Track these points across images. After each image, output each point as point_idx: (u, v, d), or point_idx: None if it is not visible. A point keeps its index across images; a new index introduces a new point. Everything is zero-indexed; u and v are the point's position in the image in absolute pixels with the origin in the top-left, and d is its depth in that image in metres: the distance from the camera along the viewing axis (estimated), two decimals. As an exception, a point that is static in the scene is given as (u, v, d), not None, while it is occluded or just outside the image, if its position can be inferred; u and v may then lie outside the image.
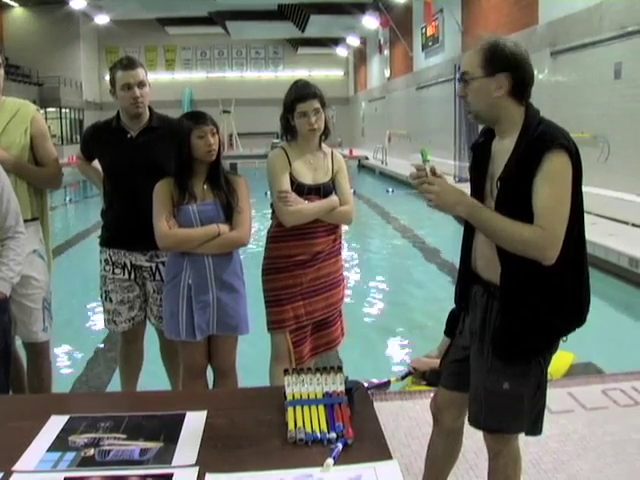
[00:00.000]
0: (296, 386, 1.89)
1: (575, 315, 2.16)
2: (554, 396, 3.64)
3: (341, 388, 1.89)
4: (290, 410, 1.80)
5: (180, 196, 2.94)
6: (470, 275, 2.27)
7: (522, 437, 3.13)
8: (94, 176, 3.50)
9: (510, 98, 2.08)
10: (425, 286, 7.92)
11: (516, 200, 2.03)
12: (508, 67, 2.05)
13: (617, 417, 3.44)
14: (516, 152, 2.05)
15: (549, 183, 1.98)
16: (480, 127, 2.33)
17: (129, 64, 3.19)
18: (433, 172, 2.08)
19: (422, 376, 3.80)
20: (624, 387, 3.76)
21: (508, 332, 2.10)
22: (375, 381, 3.91)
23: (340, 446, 1.63)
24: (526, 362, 2.14)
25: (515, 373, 2.13)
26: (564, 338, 2.20)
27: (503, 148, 2.11)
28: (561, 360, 4.37)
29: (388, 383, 3.91)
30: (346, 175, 3.36)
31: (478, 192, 2.19)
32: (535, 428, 2.25)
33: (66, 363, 5.10)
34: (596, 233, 8.45)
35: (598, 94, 10.84)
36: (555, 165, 1.98)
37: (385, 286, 8.08)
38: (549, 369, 4.08)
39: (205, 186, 2.99)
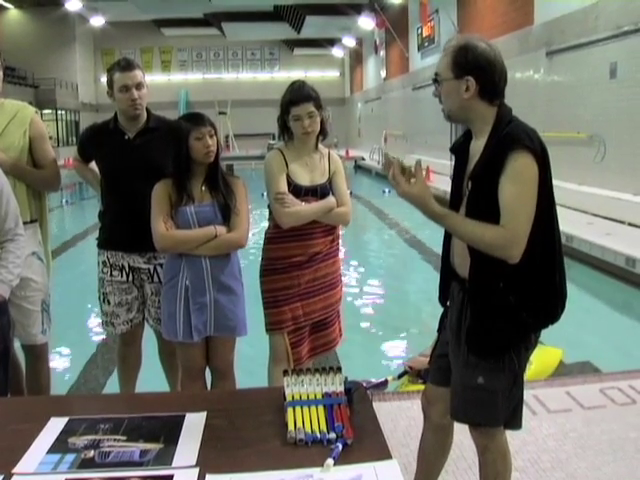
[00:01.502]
0: (295, 387, 1.90)
1: (546, 311, 2.17)
2: (552, 395, 3.67)
3: (340, 388, 1.89)
4: (290, 410, 1.81)
5: (178, 197, 2.94)
6: (449, 272, 2.31)
7: (520, 436, 3.15)
8: (91, 178, 3.49)
9: (479, 99, 2.12)
10: (422, 286, 7.92)
11: (485, 199, 2.07)
12: (475, 70, 2.09)
13: (615, 416, 3.45)
14: (485, 152, 2.10)
15: (512, 183, 2.02)
16: None
17: (127, 66, 3.19)
18: (402, 168, 2.12)
19: (418, 374, 3.83)
20: (621, 386, 3.77)
21: (479, 327, 2.14)
22: (373, 380, 3.93)
23: (340, 446, 1.63)
24: (499, 357, 2.16)
25: (489, 368, 2.16)
26: (537, 334, 2.23)
27: (477, 148, 2.16)
28: (549, 356, 4.42)
29: (386, 382, 3.93)
30: (343, 176, 3.36)
31: (457, 192, 2.23)
32: (514, 423, 2.29)
33: (63, 365, 5.10)
34: (593, 233, 8.48)
35: (594, 94, 10.86)
36: (518, 166, 2.02)
37: (382, 286, 8.09)
38: (537, 366, 4.16)
39: (203, 187, 2.99)
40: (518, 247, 2.03)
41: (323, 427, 1.73)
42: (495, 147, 2.07)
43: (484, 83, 2.10)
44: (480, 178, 2.09)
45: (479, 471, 2.37)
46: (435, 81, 2.19)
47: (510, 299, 2.10)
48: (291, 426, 1.74)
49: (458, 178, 2.25)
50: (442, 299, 2.40)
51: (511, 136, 2.06)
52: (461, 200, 2.20)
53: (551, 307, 2.17)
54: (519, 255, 2.04)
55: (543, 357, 4.30)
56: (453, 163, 2.35)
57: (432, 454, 2.53)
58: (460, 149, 2.27)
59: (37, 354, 3.28)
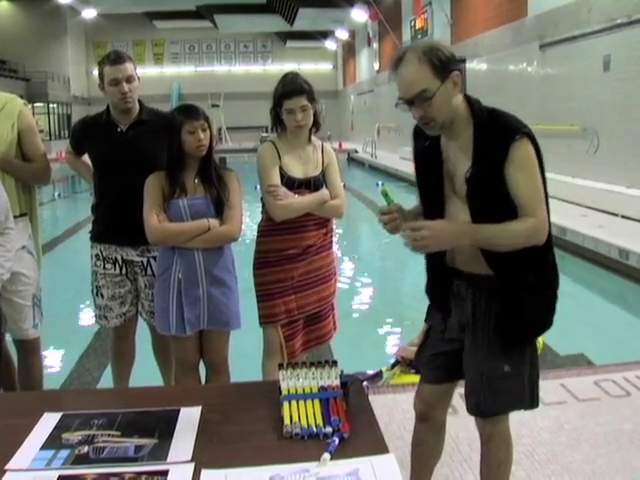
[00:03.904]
0: (291, 380, 1.89)
1: (556, 281, 2.20)
2: (547, 387, 3.66)
3: (336, 382, 1.88)
4: (285, 405, 1.80)
5: (171, 190, 2.92)
6: (448, 272, 2.25)
7: (515, 429, 3.14)
8: (84, 171, 3.47)
9: (460, 93, 2.08)
10: (415, 278, 7.90)
11: (488, 193, 2.05)
12: (454, 61, 2.05)
13: (609, 408, 3.45)
14: (479, 146, 2.05)
15: (523, 172, 2.02)
16: None
17: (117, 59, 3.15)
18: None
19: (409, 364, 3.85)
20: (616, 378, 3.78)
21: (514, 319, 2.11)
22: (368, 372, 3.94)
23: (336, 440, 1.62)
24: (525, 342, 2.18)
25: (514, 355, 2.16)
26: None
27: (458, 145, 2.11)
28: None
29: (380, 373, 3.94)
30: (337, 168, 3.34)
31: (435, 193, 2.18)
32: (533, 402, 2.28)
33: (56, 359, 5.08)
34: (586, 225, 8.49)
35: (587, 86, 10.86)
36: (523, 154, 2.01)
37: (376, 279, 8.09)
38: None
39: (196, 180, 2.96)
40: (546, 230, 2.06)
41: (319, 421, 1.72)
42: (490, 139, 2.03)
43: (462, 73, 2.07)
44: (481, 174, 2.04)
45: (481, 460, 2.36)
46: (421, 101, 2.01)
47: (536, 280, 2.11)
48: (287, 420, 1.73)
49: (434, 179, 2.18)
50: (440, 300, 2.33)
51: (506, 125, 2.03)
52: (442, 204, 2.16)
53: (556, 280, 2.20)
54: (546, 236, 2.07)
55: None
56: (417, 165, 2.27)
57: (429, 453, 2.50)
58: (429, 150, 2.20)
59: (29, 349, 3.25)
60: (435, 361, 2.36)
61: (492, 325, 2.14)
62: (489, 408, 2.22)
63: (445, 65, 2.01)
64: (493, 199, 2.04)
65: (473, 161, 2.05)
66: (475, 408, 2.25)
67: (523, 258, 2.06)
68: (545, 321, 2.19)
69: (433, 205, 2.20)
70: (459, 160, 2.10)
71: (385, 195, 2.12)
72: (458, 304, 2.25)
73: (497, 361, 2.15)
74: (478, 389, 2.20)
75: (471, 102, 2.10)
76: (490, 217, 2.03)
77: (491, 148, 2.02)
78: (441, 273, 2.28)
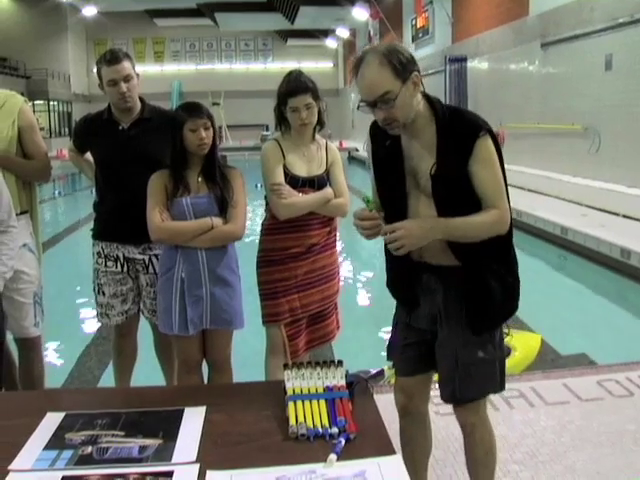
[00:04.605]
0: (296, 380, 1.88)
1: (516, 266, 2.25)
2: (549, 387, 3.66)
3: (342, 382, 1.87)
4: (291, 405, 1.79)
5: (174, 188, 2.90)
6: (415, 266, 2.26)
7: (518, 429, 3.14)
8: (87, 168, 3.45)
9: (419, 92, 2.10)
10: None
11: (453, 188, 2.09)
12: (413, 62, 2.07)
13: (612, 408, 3.44)
14: (443, 143, 2.09)
15: (487, 167, 2.08)
16: None
17: (112, 59, 3.10)
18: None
19: None
20: (619, 378, 3.77)
21: (485, 305, 2.17)
22: (371, 371, 3.92)
23: (343, 441, 1.61)
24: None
25: (485, 341, 2.22)
26: None
27: (421, 143, 2.13)
28: (531, 342, 4.49)
29: (382, 372, 3.92)
30: (341, 167, 3.33)
31: (397, 191, 2.20)
32: (502, 385, 2.33)
33: (57, 358, 5.06)
34: (587, 224, 8.48)
35: (589, 86, 10.85)
36: (486, 150, 2.08)
37: (377, 277, 8.07)
38: (521, 353, 4.26)
39: (200, 178, 2.95)
40: (509, 220, 2.14)
41: (325, 422, 1.71)
42: (454, 136, 2.07)
43: (419, 72, 2.09)
44: (447, 170, 2.08)
45: (466, 453, 2.38)
46: (384, 103, 2.03)
47: (500, 267, 2.17)
48: (292, 421, 1.72)
49: (396, 176, 2.19)
50: (406, 294, 2.35)
51: (469, 123, 2.09)
52: (404, 201, 2.19)
53: (517, 266, 2.25)
54: (508, 226, 2.15)
55: (525, 343, 4.43)
56: (376, 163, 2.28)
57: (419, 449, 2.51)
58: (390, 151, 2.21)
59: (30, 347, 3.24)
60: (406, 353, 2.39)
61: (464, 314, 2.18)
62: (464, 394, 2.26)
63: (405, 66, 2.04)
64: (458, 193, 2.09)
65: (438, 158, 2.10)
66: (450, 396, 2.28)
67: (488, 248, 2.13)
68: (512, 305, 2.25)
69: (395, 203, 2.22)
70: (422, 157, 2.13)
71: (367, 202, 2.15)
72: (428, 296, 2.28)
73: (471, 348, 2.20)
74: (453, 377, 2.24)
75: (431, 101, 2.14)
76: (456, 210, 2.09)
77: (455, 145, 2.07)
78: (408, 268, 2.29)
